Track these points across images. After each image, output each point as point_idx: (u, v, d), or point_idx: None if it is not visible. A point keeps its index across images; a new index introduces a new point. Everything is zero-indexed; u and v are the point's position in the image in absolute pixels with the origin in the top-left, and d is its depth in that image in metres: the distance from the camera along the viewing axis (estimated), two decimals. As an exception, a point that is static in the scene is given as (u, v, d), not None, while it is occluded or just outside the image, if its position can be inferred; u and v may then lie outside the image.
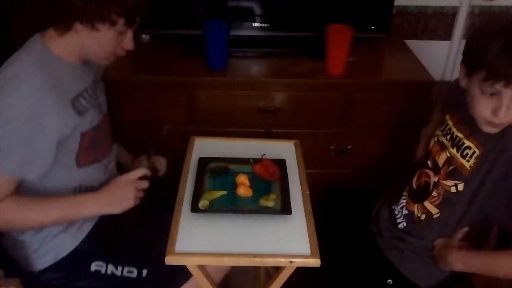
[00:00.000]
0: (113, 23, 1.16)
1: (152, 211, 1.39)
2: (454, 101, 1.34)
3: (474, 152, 1.24)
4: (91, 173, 1.33)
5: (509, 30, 1.08)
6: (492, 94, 1.11)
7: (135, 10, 1.18)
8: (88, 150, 1.29)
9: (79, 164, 1.28)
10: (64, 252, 1.30)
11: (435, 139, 1.39)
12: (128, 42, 1.24)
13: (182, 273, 1.30)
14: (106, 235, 1.35)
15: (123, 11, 1.15)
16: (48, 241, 1.28)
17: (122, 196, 1.21)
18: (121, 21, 1.17)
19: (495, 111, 1.12)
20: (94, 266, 1.31)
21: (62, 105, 1.17)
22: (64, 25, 1.17)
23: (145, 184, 1.26)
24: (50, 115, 1.13)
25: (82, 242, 1.32)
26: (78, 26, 1.16)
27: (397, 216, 1.42)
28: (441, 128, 1.38)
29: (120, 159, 1.57)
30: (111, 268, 1.31)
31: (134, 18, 1.20)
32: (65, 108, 1.18)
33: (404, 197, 1.43)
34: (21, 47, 1.21)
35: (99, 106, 1.35)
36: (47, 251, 1.29)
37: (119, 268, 1.31)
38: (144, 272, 1.31)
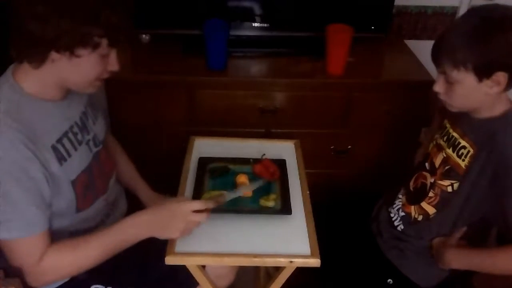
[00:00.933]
0: (95, 46, 1.01)
1: None
2: None
3: (469, 152, 1.25)
4: (91, 213, 1.23)
5: (447, 28, 1.19)
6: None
7: (119, 28, 1.03)
8: (87, 193, 1.19)
9: (79, 209, 1.18)
10: (59, 282, 1.22)
11: (434, 142, 1.41)
12: (113, 64, 1.10)
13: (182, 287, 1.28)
14: None
15: (105, 31, 1.00)
16: None
17: (170, 225, 1.10)
18: (104, 43, 1.02)
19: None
20: None
21: (41, 154, 1.05)
22: (37, 57, 1.01)
23: (202, 217, 1.12)
24: (32, 166, 1.03)
25: None
26: (54, 56, 1.01)
27: (393, 219, 1.43)
28: (440, 132, 1.40)
29: (138, 193, 1.47)
30: None
31: (118, 37, 1.04)
32: (46, 158, 1.07)
33: (400, 200, 1.44)
34: None
35: (92, 140, 1.25)
36: None
37: None
38: None
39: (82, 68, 1.05)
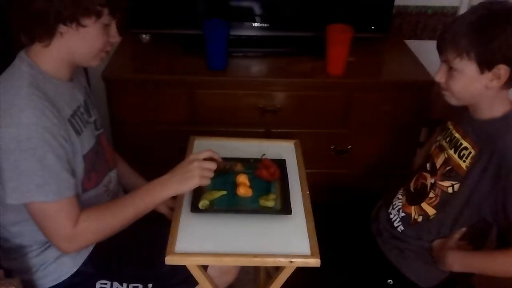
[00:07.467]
0: (98, 15, 1.11)
1: (151, 223, 1.33)
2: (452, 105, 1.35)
3: (470, 153, 1.25)
4: (93, 197, 1.28)
5: (454, 19, 1.21)
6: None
7: None
8: (91, 173, 1.25)
9: (84, 188, 1.24)
10: (65, 275, 1.27)
11: (436, 144, 1.41)
12: (114, 34, 1.19)
13: (186, 283, 1.29)
14: (108, 254, 1.31)
15: (106, 0, 1.11)
16: (47, 265, 1.25)
17: (188, 174, 1.20)
18: (105, 12, 1.12)
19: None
20: (99, 285, 1.29)
21: (64, 124, 1.14)
22: (47, 33, 1.11)
23: (212, 165, 1.22)
24: (60, 132, 1.11)
25: (84, 264, 1.29)
26: (62, 29, 1.10)
27: (393, 219, 1.43)
28: (443, 134, 1.40)
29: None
30: (116, 285, 1.29)
31: (118, 6, 1.14)
32: (66, 127, 1.16)
33: (400, 200, 1.44)
34: (8, 69, 1.15)
35: (93, 124, 1.32)
36: (46, 274, 1.26)
37: (125, 285, 1.30)
38: (150, 286, 1.30)
39: (89, 38, 1.14)
